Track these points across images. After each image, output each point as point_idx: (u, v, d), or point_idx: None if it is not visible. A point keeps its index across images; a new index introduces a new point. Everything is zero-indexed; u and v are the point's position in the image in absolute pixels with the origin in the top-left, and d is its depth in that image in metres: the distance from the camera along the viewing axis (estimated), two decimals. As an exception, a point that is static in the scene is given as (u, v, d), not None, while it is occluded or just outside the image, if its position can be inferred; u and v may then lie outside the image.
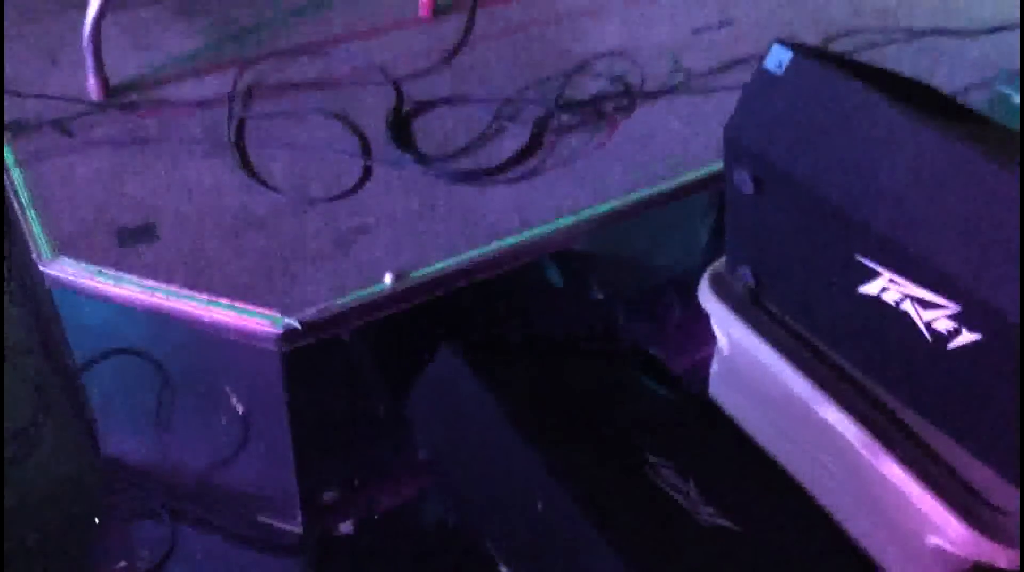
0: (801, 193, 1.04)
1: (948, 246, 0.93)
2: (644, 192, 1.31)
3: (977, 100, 1.48)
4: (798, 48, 1.03)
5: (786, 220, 1.09)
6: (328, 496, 1.31)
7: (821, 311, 1.12)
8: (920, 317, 0.99)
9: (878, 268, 1.00)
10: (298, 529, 1.30)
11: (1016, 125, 1.44)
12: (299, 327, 1.10)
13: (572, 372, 1.30)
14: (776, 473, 1.21)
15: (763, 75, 1.06)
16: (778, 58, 1.03)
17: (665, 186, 1.33)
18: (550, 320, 1.45)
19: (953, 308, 0.95)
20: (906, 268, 0.97)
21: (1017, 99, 1.49)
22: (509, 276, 1.26)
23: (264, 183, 1.27)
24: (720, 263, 1.25)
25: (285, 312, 1.11)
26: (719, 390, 1.32)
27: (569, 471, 1.03)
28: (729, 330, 1.22)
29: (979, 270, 0.92)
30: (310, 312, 1.12)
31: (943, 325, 0.97)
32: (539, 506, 1.02)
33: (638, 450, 1.15)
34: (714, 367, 1.31)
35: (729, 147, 1.10)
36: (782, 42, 1.04)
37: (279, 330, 1.10)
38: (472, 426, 1.12)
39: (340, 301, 1.13)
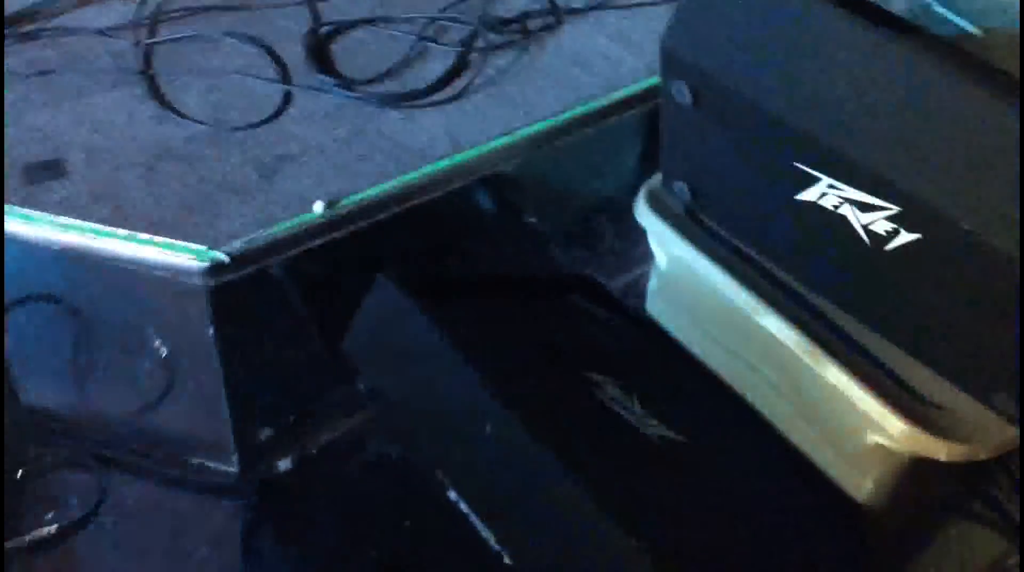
0: (740, 103, 1.03)
1: (886, 149, 0.93)
2: (578, 110, 1.29)
3: (896, 10, 1.49)
4: (733, -47, 1.01)
5: (724, 131, 1.08)
6: (264, 434, 1.27)
7: (759, 222, 1.12)
8: (859, 220, 0.99)
9: (817, 174, 1.00)
10: (234, 469, 1.26)
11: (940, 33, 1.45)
12: (226, 260, 1.06)
13: (512, 297, 1.28)
14: (717, 385, 1.22)
15: (698, -18, 1.03)
16: (714, -36, 1.01)
17: (597, 104, 1.30)
18: (485, 246, 1.42)
19: (892, 209, 0.95)
20: (845, 173, 0.97)
21: (941, 9, 1.50)
22: (441, 203, 1.22)
23: (178, 113, 1.21)
24: (655, 180, 1.24)
25: (211, 245, 1.06)
26: (657, 307, 1.31)
27: (515, 392, 1.02)
28: (667, 246, 1.21)
29: (916, 171, 0.92)
30: (237, 244, 1.07)
31: (881, 227, 0.98)
32: (488, 429, 1.01)
33: (581, 369, 1.14)
34: (652, 284, 1.30)
35: (666, 59, 1.08)
36: (716, -53, 1.01)
37: (205, 264, 1.05)
38: (415, 355, 1.10)
39: (268, 232, 1.08)
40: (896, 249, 0.98)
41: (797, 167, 1.01)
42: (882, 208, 0.96)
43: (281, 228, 1.09)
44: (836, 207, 1.01)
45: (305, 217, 1.11)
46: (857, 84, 0.94)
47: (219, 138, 1.18)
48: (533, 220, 1.46)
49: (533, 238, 1.46)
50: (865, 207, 0.98)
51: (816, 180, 1.01)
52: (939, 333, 1.01)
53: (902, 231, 0.96)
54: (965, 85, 0.89)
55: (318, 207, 1.11)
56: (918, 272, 0.98)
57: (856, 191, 0.97)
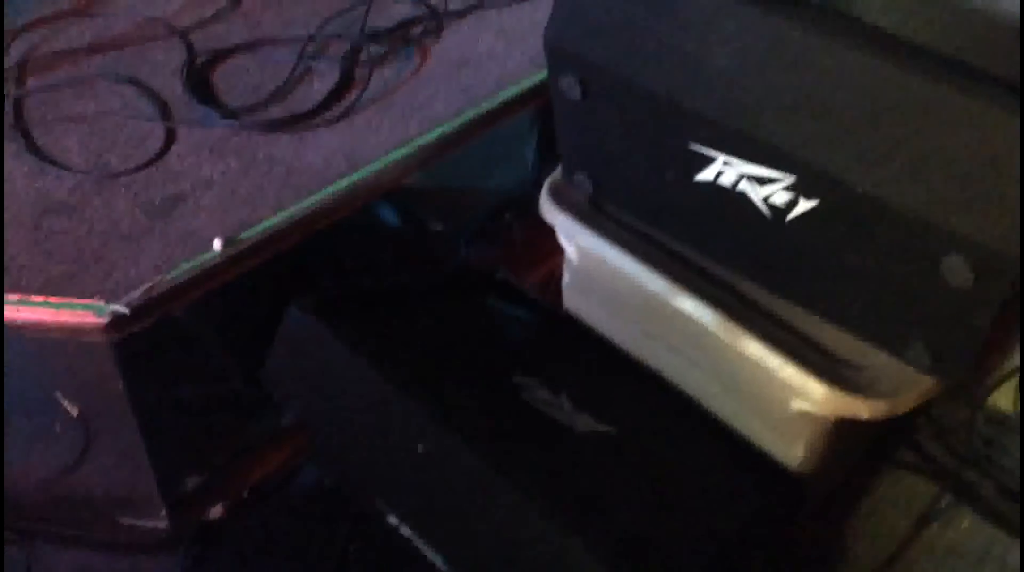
0: (629, 90, 1.03)
1: (775, 120, 0.95)
2: (471, 113, 1.27)
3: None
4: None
5: (617, 120, 1.08)
6: (191, 483, 1.24)
7: (662, 205, 1.13)
8: (758, 194, 1.00)
9: (712, 153, 1.01)
10: (164, 523, 1.22)
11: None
12: (127, 312, 1.02)
13: (426, 309, 1.26)
14: (641, 372, 1.23)
15: (572, -26, 1.03)
16: (584, -45, 1.01)
17: (490, 104, 1.29)
18: (393, 261, 1.40)
19: (788, 179, 0.97)
20: (739, 148, 0.98)
21: None
22: (345, 223, 1.20)
23: (58, 164, 1.16)
24: (558, 173, 1.24)
25: (108, 299, 1.02)
26: (574, 301, 1.31)
27: (442, 407, 1.01)
28: (575, 239, 1.21)
29: (807, 139, 0.94)
30: (136, 294, 1.03)
31: (780, 198, 0.99)
32: (420, 447, 0.99)
33: (505, 374, 1.14)
34: (566, 279, 1.30)
35: (551, 54, 1.08)
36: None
37: (105, 319, 1.01)
38: (335, 382, 1.08)
39: (167, 277, 1.05)
40: (797, 218, 0.99)
41: (692, 148, 1.02)
42: (778, 180, 0.98)
43: (180, 271, 1.05)
44: (735, 184, 1.02)
45: (204, 257, 1.07)
46: (740, 58, 0.95)
47: (104, 185, 1.14)
48: (439, 228, 1.44)
49: (441, 246, 1.45)
50: (762, 181, 0.99)
51: (712, 159, 1.01)
52: (848, 294, 1.03)
53: (800, 200, 0.98)
54: (843, 48, 0.91)
55: (217, 245, 1.07)
56: (821, 238, 0.99)
57: (751, 165, 0.98)
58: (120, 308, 1.01)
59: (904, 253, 0.93)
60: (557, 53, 1.06)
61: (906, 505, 1.33)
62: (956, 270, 0.90)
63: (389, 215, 1.38)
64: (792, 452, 1.15)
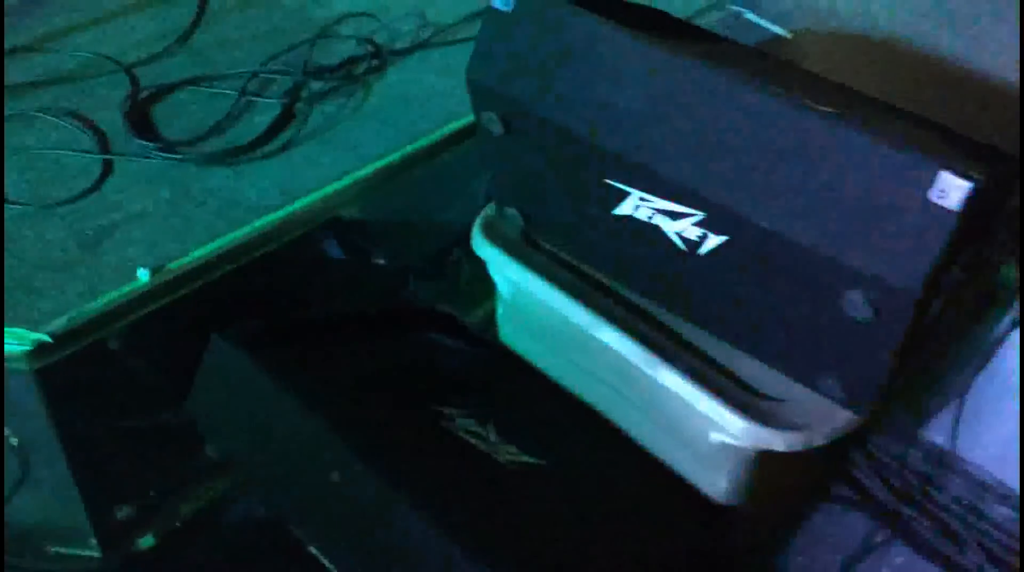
0: (547, 127, 1.05)
1: (683, 158, 0.97)
2: (407, 149, 1.29)
3: (710, 21, 1.55)
4: (520, -18, 1.04)
5: (539, 155, 1.10)
6: (122, 512, 1.23)
7: (585, 238, 1.15)
8: (671, 228, 1.02)
9: (626, 188, 1.03)
10: (95, 553, 1.22)
11: (751, 41, 1.51)
12: (50, 340, 1.03)
13: (360, 341, 1.27)
14: (570, 404, 1.24)
15: (493, 14, 1.06)
16: (503, -5, 1.04)
17: (426, 141, 1.31)
18: (335, 294, 1.42)
19: (697, 215, 0.99)
20: (650, 184, 1.00)
21: (751, 16, 1.56)
22: (284, 255, 1.21)
23: (-7, 195, 1.18)
24: (489, 209, 1.26)
25: (31, 327, 1.03)
26: (507, 334, 1.33)
27: (358, 436, 1.01)
28: (505, 272, 1.23)
29: (712, 176, 0.96)
30: (60, 322, 1.04)
31: (692, 233, 1.01)
32: (334, 476, 1.00)
33: (432, 405, 1.14)
34: (499, 312, 1.31)
35: (473, 91, 1.10)
36: (503, -22, 1.04)
37: (27, 347, 1.02)
38: (255, 410, 1.08)
39: (92, 305, 1.06)
40: (709, 252, 1.01)
41: (608, 183, 1.04)
42: (688, 215, 0.99)
43: (105, 300, 1.07)
44: (650, 218, 1.03)
45: (130, 286, 1.08)
46: (647, 98, 0.97)
47: (38, 216, 1.16)
48: (382, 262, 1.46)
49: (384, 279, 1.46)
50: (674, 215, 1.01)
51: (627, 194, 1.03)
52: (763, 327, 1.04)
53: (710, 234, 0.99)
54: (744, 89, 0.93)
55: (142, 274, 1.08)
56: (733, 271, 1.01)
57: (663, 201, 1.00)
58: (42, 336, 1.02)
59: (809, 287, 0.95)
60: (479, 89, 1.08)
61: (840, 541, 1.34)
62: (856, 305, 0.91)
63: (330, 247, 1.39)
64: (717, 484, 1.16)
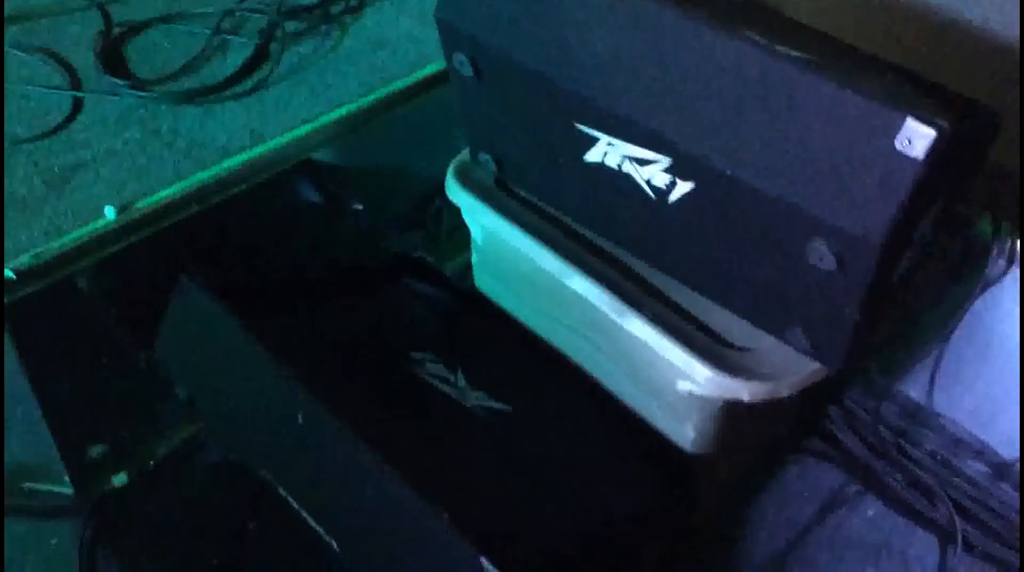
0: (516, 69, 1.03)
1: (648, 102, 0.95)
2: (380, 93, 1.27)
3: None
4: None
5: (510, 99, 1.09)
6: (95, 451, 1.24)
7: (557, 185, 1.13)
8: (640, 175, 1.01)
9: (596, 134, 1.01)
10: (68, 490, 1.23)
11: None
12: (13, 276, 1.02)
13: (332, 288, 1.27)
14: (542, 351, 1.23)
15: (464, -48, 1.03)
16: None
17: (402, 84, 1.29)
18: (313, 240, 1.41)
19: (665, 161, 0.97)
20: (618, 129, 0.99)
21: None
22: (257, 196, 1.20)
23: (-39, 131, 1.17)
24: (465, 154, 1.25)
25: (-4, 264, 1.03)
26: (483, 281, 1.32)
27: (322, 380, 1.01)
28: (479, 219, 1.22)
29: (679, 122, 0.94)
30: (24, 259, 1.03)
31: (660, 179, 0.99)
32: (299, 419, 1.00)
33: (401, 350, 1.14)
34: (474, 259, 1.31)
35: (443, 31, 1.08)
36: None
37: (-9, 283, 1.02)
38: (223, 355, 1.08)
39: (57, 243, 1.05)
40: (678, 199, 1.00)
41: (578, 128, 1.02)
42: (656, 161, 0.98)
43: (71, 238, 1.06)
44: (619, 165, 1.02)
45: (96, 224, 1.07)
46: (616, 41, 0.95)
47: (7, 153, 1.14)
48: (359, 207, 1.45)
49: (360, 225, 1.45)
50: (643, 162, 0.99)
51: (596, 140, 1.02)
52: (730, 275, 1.03)
53: (678, 181, 0.98)
54: (711, 33, 0.91)
55: (109, 212, 1.08)
56: (701, 219, 1.00)
57: (631, 146, 0.99)
58: (6, 272, 1.02)
59: (775, 236, 0.94)
60: (447, 29, 1.06)
61: (813, 493, 1.34)
62: (820, 254, 0.90)
63: (307, 191, 1.38)
64: (685, 434, 1.15)
